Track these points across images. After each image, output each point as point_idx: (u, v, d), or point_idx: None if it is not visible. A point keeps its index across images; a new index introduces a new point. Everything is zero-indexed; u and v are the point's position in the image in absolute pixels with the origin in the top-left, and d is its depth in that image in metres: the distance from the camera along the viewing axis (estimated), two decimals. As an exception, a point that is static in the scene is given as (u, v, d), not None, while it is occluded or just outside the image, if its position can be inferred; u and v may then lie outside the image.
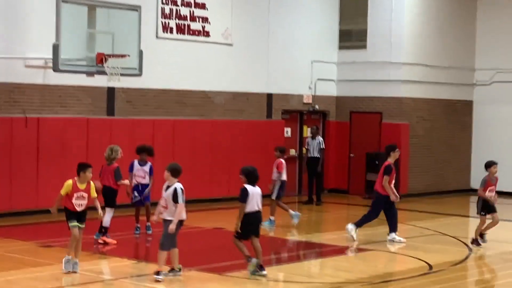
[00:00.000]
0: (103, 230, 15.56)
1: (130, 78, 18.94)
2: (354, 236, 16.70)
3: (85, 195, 12.64)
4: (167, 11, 21.80)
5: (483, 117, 27.54)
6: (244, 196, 12.73)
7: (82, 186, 12.64)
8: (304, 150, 24.58)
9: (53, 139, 19.34)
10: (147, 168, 16.68)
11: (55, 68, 16.83)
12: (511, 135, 26.80)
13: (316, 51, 25.86)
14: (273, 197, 18.82)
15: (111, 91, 20.63)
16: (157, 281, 12.10)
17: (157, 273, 12.22)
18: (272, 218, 18.82)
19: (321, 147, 23.21)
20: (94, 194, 12.76)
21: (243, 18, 23.70)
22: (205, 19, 22.70)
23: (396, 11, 25.19)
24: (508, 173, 26.72)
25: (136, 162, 16.72)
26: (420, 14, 25.68)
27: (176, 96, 22.13)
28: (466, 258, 15.32)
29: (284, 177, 18.91)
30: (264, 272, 12.87)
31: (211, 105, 23.02)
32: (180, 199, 12.27)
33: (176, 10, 22.00)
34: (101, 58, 17.08)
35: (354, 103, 26.20)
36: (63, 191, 12.62)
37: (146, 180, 16.67)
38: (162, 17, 21.70)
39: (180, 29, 22.13)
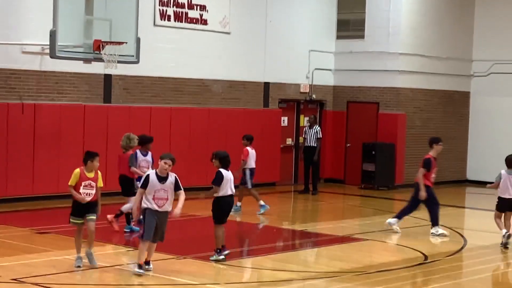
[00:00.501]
0: (118, 212, 15.63)
1: (127, 66, 18.89)
2: (397, 229, 16.68)
3: (93, 184, 12.21)
4: (165, -2, 21.76)
5: (480, 108, 27.53)
6: (219, 179, 12.88)
7: (90, 175, 12.23)
8: (301, 139, 24.57)
9: (50, 125, 19.30)
10: (149, 157, 16.48)
11: (52, 55, 16.76)
12: (508, 126, 26.81)
13: (313, 41, 25.82)
14: (249, 186, 18.86)
15: (108, 78, 20.59)
16: (148, 270, 12.03)
17: (148, 263, 12.11)
18: (239, 204, 18.84)
19: (318, 136, 23.20)
20: (101, 183, 12.43)
21: (241, 6, 23.65)
22: (203, 7, 22.64)
23: (394, 1, 25.13)
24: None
25: (139, 153, 16.45)
26: (418, 4, 25.64)
27: (173, 84, 22.10)
28: (461, 249, 15.34)
29: (253, 164, 18.96)
30: (226, 252, 12.99)
31: (208, 93, 22.99)
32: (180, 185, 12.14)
33: (174, -3, 21.97)
34: (98, 45, 17.00)
35: (351, 93, 26.18)
36: (72, 182, 12.20)
37: (150, 170, 16.52)
38: (159, 5, 21.64)
39: (178, 17, 22.08)
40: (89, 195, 12.22)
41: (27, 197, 18.96)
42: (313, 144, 23.18)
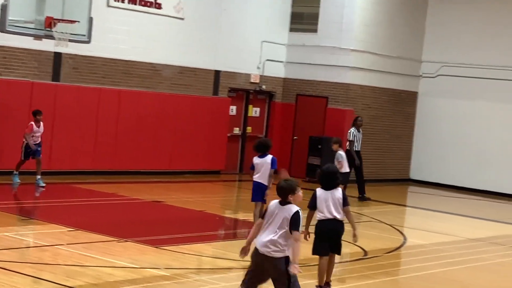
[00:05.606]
0: None
1: (78, 45, 18.73)
2: None
3: None
4: (120, -21, 21.58)
5: (426, 109, 27.87)
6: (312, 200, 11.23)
7: None
8: (348, 144, 22.59)
9: (-4, 100, 19.07)
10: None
11: (2, 29, 16.54)
12: (453, 128, 27.19)
13: (266, 32, 25.86)
14: (23, 157, 18.25)
15: (57, 56, 20.37)
16: None
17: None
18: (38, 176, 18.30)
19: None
20: None
21: (196, -8, 23.58)
22: (158, -9, 22.54)
23: (349, -3, 25.29)
24: (448, 166, 27.14)
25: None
26: (372, 2, 25.83)
27: (123, 66, 21.96)
28: (401, 246, 15.53)
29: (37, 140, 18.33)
30: None
31: (158, 78, 22.89)
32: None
33: (129, -21, 21.80)
34: (50, 22, 16.83)
35: (301, 86, 26.29)
36: None
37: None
38: (114, -14, 21.49)
39: (132, -1, 21.94)
40: None
41: (-32, 172, 18.73)
42: (360, 148, 22.47)
